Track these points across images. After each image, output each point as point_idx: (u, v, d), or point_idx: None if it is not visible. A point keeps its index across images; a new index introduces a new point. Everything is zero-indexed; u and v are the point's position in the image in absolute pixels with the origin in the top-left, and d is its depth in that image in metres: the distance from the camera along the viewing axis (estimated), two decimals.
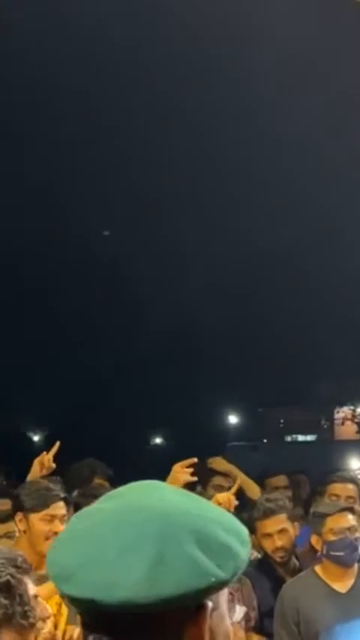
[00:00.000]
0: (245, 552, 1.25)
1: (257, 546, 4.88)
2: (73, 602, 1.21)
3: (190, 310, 35.30)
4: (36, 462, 4.63)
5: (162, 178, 37.99)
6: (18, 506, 3.81)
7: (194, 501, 1.30)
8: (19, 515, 3.78)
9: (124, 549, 1.19)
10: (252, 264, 38.60)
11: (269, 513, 4.44)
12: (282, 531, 4.44)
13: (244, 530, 1.29)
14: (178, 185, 38.23)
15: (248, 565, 3.88)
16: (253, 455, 24.34)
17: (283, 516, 4.45)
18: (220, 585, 1.22)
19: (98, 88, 34.71)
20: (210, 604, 1.24)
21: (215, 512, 1.28)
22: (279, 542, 4.42)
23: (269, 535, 4.45)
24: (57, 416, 32.24)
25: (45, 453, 4.65)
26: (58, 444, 4.76)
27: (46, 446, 4.85)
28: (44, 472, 4.60)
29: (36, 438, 36.42)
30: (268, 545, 4.47)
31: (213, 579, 1.19)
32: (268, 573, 4.50)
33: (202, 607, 1.23)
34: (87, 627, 1.23)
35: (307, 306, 38.43)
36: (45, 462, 4.60)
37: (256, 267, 38.73)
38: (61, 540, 1.27)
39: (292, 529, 4.50)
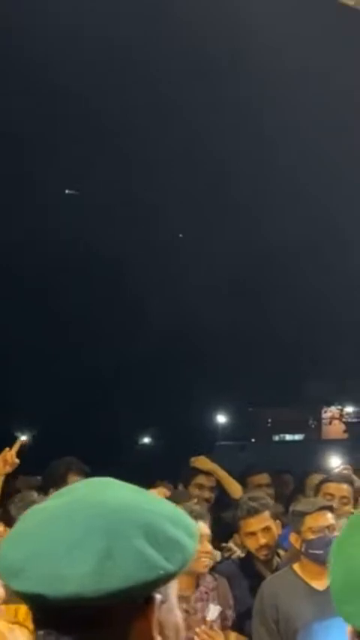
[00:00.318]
0: (193, 545, 1.29)
1: (240, 545, 4.91)
2: (23, 597, 1.23)
3: (180, 311, 35.31)
4: None
5: (161, 178, 37.99)
6: (5, 521, 3.83)
7: (145, 497, 1.33)
8: (1, 527, 3.81)
9: (72, 544, 1.22)
10: (245, 266, 38.65)
11: (253, 512, 4.46)
12: (265, 529, 4.46)
13: (193, 524, 1.33)
14: (177, 184, 38.23)
15: (230, 564, 3.88)
16: (240, 454, 24.39)
17: (266, 515, 4.48)
18: (167, 578, 1.25)
19: (96, 89, 34.64)
20: (159, 597, 1.27)
21: (165, 507, 1.32)
22: (263, 540, 4.45)
23: (253, 533, 4.47)
24: (46, 416, 32.20)
25: (8, 449, 4.66)
26: (21, 440, 4.77)
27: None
28: (8, 469, 4.61)
29: (24, 438, 36.28)
30: (251, 543, 4.50)
31: (161, 572, 1.22)
32: (250, 572, 4.53)
33: (150, 600, 1.26)
34: (37, 623, 1.25)
35: (297, 307, 38.47)
36: (8, 458, 4.61)
37: (249, 267, 38.80)
38: (12, 536, 1.29)
39: (275, 527, 4.53)
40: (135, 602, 1.23)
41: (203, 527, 3.99)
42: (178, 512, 1.32)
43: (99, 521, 1.24)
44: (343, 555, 1.38)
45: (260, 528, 4.45)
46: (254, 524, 4.46)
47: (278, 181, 38.69)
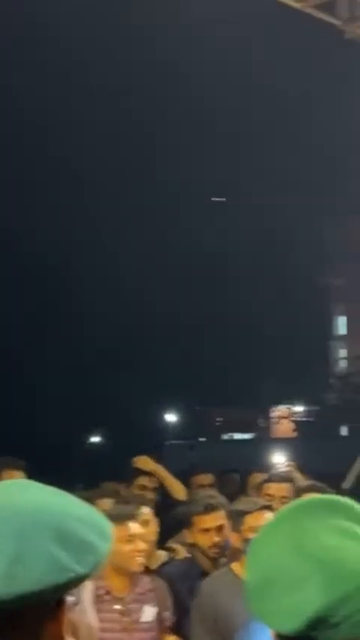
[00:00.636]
0: (105, 547, 1.29)
1: (186, 545, 4.91)
2: None
3: (129, 309, 35.31)
4: None
5: (110, 188, 38.14)
6: None
7: (61, 499, 1.33)
8: None
9: None
10: (193, 264, 38.82)
11: (210, 509, 4.46)
12: (220, 528, 4.46)
13: (107, 526, 1.33)
14: (122, 191, 38.47)
15: (177, 565, 3.85)
16: (190, 453, 24.43)
17: (222, 513, 4.47)
18: (79, 580, 1.25)
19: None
20: (71, 599, 1.28)
21: (79, 510, 1.32)
22: (216, 538, 4.45)
23: (207, 530, 4.47)
24: None
25: None
26: None
27: None
28: None
29: None
30: (204, 540, 4.49)
31: (71, 575, 1.23)
32: (197, 572, 4.54)
33: (61, 602, 1.27)
34: None
35: (246, 307, 38.74)
36: None
37: (197, 267, 38.96)
38: None
39: (228, 526, 4.54)
40: (47, 605, 1.24)
41: (134, 527, 3.98)
42: (92, 514, 1.33)
43: (11, 524, 1.24)
44: (260, 554, 1.42)
45: (215, 526, 4.45)
46: (210, 521, 4.46)
47: (217, 185, 39.32)
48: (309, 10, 8.73)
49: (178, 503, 5.45)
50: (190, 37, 30.61)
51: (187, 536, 4.69)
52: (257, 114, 37.83)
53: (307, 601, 1.32)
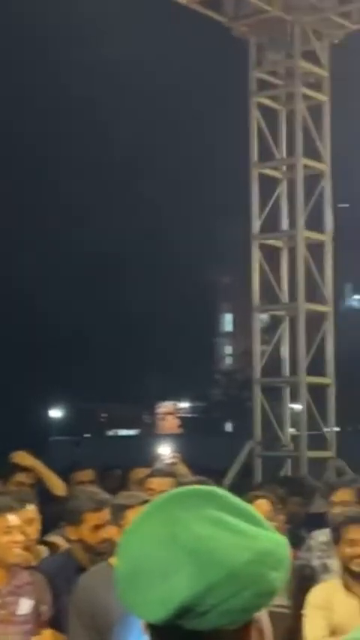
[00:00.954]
0: None
1: (65, 537, 4.88)
2: None
3: (14, 301, 34.97)
4: None
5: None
6: None
7: None
8: None
9: None
10: (82, 263, 38.84)
11: (101, 506, 4.47)
12: (108, 523, 4.45)
13: None
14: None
15: (56, 559, 3.83)
16: (76, 450, 24.44)
17: (109, 509, 4.46)
18: None
19: None
20: None
21: None
22: (105, 535, 4.44)
23: (98, 527, 4.47)
24: None
25: None
26: None
27: None
28: None
29: None
30: (95, 537, 4.49)
31: None
32: (72, 567, 4.51)
33: None
34: None
35: (132, 304, 38.90)
36: None
37: (85, 266, 38.98)
38: None
39: None
40: None
41: (12, 519, 3.96)
42: None
43: None
44: (131, 544, 1.40)
45: (104, 522, 4.45)
46: (101, 517, 4.46)
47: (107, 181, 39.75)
48: (195, 7, 8.75)
49: (57, 499, 5.41)
50: (80, 37, 30.52)
51: (71, 532, 4.67)
52: (147, 112, 37.94)
53: (175, 590, 1.32)
